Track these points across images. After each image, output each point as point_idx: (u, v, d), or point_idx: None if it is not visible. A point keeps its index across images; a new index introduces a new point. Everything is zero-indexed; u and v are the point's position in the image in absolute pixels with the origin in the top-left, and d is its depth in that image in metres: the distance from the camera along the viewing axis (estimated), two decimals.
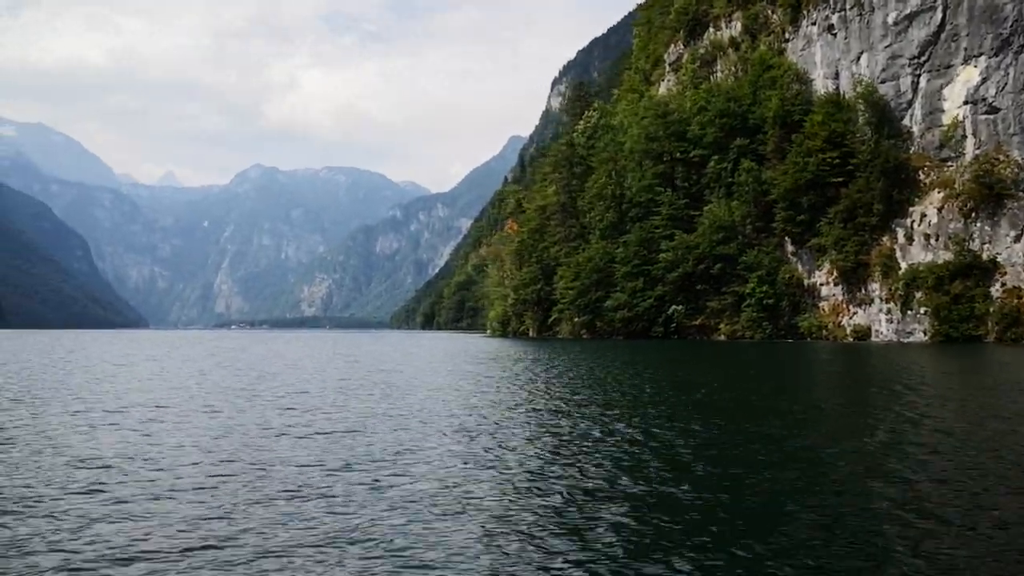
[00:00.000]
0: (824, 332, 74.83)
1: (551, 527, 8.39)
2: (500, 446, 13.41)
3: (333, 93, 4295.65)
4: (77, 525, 8.53)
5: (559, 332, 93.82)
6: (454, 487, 10.23)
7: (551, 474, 11.10)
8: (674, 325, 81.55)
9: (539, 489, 10.17)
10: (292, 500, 9.62)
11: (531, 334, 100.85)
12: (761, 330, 76.67)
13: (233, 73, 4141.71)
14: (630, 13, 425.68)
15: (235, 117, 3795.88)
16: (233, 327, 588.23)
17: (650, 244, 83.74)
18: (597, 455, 12.44)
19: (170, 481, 10.70)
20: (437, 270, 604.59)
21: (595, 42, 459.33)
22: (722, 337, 78.92)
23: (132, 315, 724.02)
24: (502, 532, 8.18)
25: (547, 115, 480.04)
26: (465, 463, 11.84)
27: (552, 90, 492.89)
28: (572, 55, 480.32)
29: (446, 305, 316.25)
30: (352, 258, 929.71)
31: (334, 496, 9.75)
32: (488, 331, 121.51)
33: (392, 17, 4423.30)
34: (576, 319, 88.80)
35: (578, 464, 11.76)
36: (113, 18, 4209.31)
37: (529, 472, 11.24)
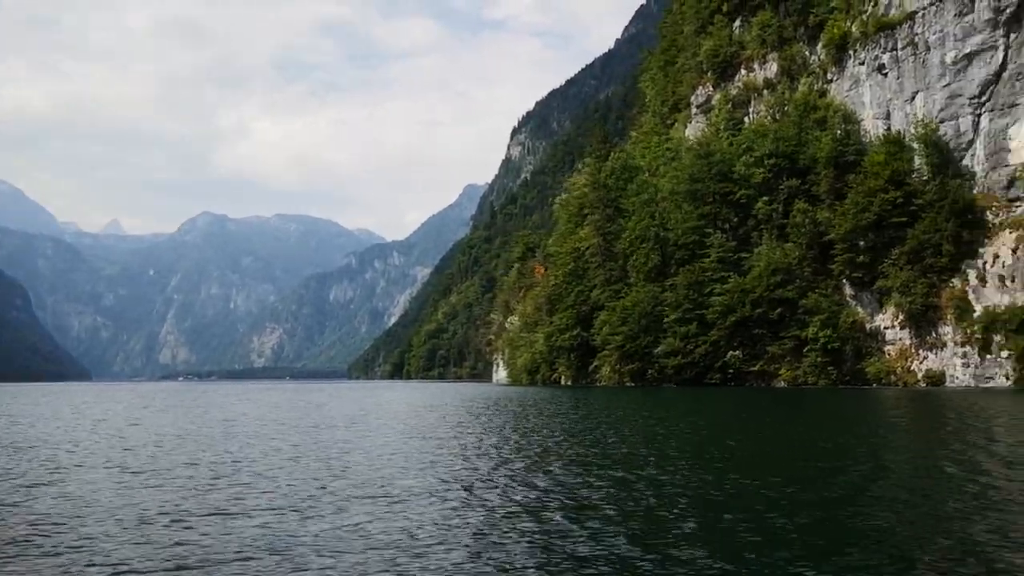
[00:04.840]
0: (892, 377, 72.15)
1: None
2: None
3: (285, 141, 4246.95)
4: None
5: (599, 380, 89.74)
6: None
7: None
8: (731, 371, 78.29)
9: None
10: None
11: (563, 382, 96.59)
12: (826, 375, 73.65)
13: (183, 121, 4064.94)
14: (588, 65, 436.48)
15: (184, 165, 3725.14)
16: (180, 379, 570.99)
17: (700, 287, 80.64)
18: None
19: None
20: (393, 319, 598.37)
21: (553, 94, 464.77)
22: (783, 384, 75.78)
23: (74, 367, 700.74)
24: None
25: (507, 163, 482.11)
26: None
27: (512, 139, 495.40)
28: (530, 106, 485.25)
29: (416, 354, 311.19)
30: (304, 307, 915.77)
31: None
32: (505, 380, 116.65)
33: (346, 67, 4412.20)
34: (621, 366, 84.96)
35: None
36: (59, 64, 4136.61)
37: None
